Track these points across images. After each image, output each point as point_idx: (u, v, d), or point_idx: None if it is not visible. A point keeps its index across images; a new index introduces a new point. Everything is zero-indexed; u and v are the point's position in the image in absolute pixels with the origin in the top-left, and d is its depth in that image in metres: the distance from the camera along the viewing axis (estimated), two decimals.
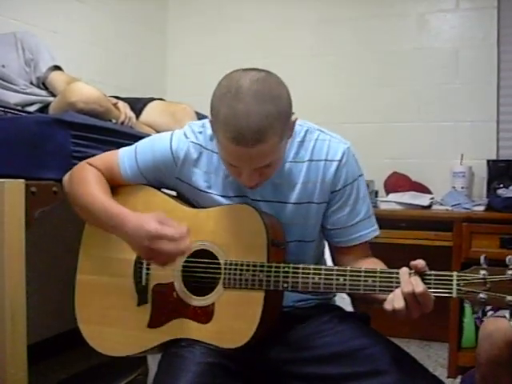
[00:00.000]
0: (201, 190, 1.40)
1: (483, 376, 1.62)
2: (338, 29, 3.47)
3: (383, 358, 1.21)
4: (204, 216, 1.37)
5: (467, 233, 2.63)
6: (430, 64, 3.27)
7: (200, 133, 1.41)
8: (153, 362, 1.72)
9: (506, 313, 1.62)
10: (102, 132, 1.72)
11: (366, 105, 3.40)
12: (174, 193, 1.51)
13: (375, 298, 1.24)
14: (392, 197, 3.05)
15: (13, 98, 2.00)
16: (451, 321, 2.71)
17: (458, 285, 1.13)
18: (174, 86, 3.75)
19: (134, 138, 1.65)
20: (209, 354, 1.25)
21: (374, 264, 1.34)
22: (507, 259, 1.10)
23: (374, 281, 1.19)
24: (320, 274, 1.23)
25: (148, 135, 1.58)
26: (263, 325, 1.24)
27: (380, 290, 1.19)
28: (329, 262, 1.55)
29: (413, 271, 1.15)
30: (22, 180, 1.48)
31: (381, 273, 1.20)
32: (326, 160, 1.36)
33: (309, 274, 1.24)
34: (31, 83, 2.10)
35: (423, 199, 2.97)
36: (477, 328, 2.61)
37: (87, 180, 1.40)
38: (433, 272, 1.15)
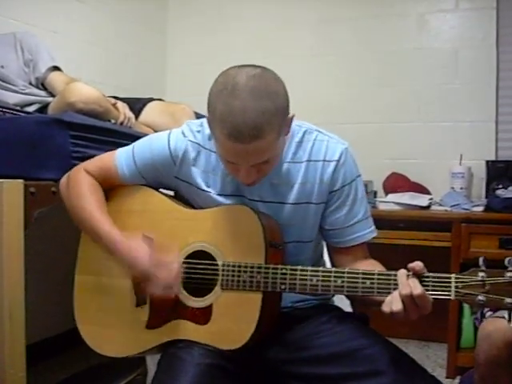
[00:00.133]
0: (199, 189, 1.40)
1: (482, 376, 1.62)
2: (337, 29, 3.47)
3: (382, 358, 1.21)
4: (202, 217, 1.37)
5: (466, 233, 2.63)
6: (429, 64, 3.27)
7: (198, 132, 1.41)
8: (152, 363, 1.72)
9: (505, 313, 1.61)
10: (101, 132, 1.72)
11: (365, 105, 3.40)
12: (171, 193, 1.51)
13: (373, 300, 1.24)
14: (391, 197, 3.05)
15: (12, 99, 2.00)
16: (450, 321, 2.71)
17: (457, 287, 1.12)
18: (174, 86, 3.75)
19: (133, 138, 1.64)
20: (207, 355, 1.25)
21: (372, 265, 1.34)
22: (506, 261, 1.10)
23: (371, 283, 1.19)
24: (318, 276, 1.23)
25: (147, 135, 1.58)
26: (261, 326, 1.24)
27: (378, 292, 1.18)
28: (328, 263, 1.55)
29: (411, 273, 1.15)
30: (21, 180, 1.48)
31: (379, 275, 1.19)
32: (324, 160, 1.36)
33: (306, 275, 1.24)
34: (30, 84, 2.10)
35: (422, 200, 2.97)
36: (476, 328, 2.61)
37: (83, 193, 1.41)
38: (431, 274, 1.15)
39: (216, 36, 3.70)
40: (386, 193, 3.16)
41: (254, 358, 1.31)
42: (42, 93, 2.10)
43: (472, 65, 3.18)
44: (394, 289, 1.15)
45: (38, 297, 2.07)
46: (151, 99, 2.34)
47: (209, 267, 1.31)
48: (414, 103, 3.30)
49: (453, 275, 1.13)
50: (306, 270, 1.24)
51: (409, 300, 1.12)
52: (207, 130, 1.39)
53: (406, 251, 2.78)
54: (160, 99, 2.41)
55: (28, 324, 1.50)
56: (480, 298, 1.10)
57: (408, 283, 1.13)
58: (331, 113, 3.38)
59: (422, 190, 3.13)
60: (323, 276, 1.23)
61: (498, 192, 2.79)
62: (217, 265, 1.30)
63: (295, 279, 1.24)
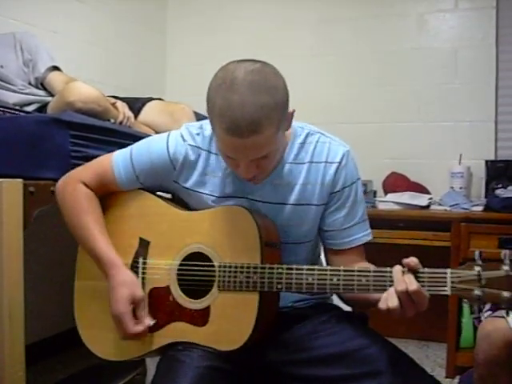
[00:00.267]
0: (199, 192, 1.40)
1: (481, 376, 1.62)
2: (337, 29, 3.47)
3: (381, 358, 1.21)
4: (198, 218, 1.37)
5: (465, 233, 2.63)
6: (428, 64, 3.27)
7: (198, 134, 1.40)
8: (151, 362, 1.72)
9: (505, 313, 1.62)
10: (100, 132, 1.72)
11: (365, 105, 3.40)
12: (168, 195, 1.50)
13: (370, 301, 1.23)
14: (390, 197, 3.05)
15: (11, 98, 1.99)
16: (449, 321, 2.71)
17: (453, 282, 1.12)
18: (174, 86, 3.75)
19: (133, 137, 1.65)
20: (206, 357, 1.25)
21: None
22: (502, 254, 1.09)
23: (367, 280, 1.19)
24: (313, 275, 1.23)
25: (147, 135, 1.58)
26: (259, 326, 1.24)
27: (374, 290, 1.18)
28: (325, 264, 1.55)
29: (406, 269, 1.14)
30: (20, 180, 1.48)
31: (374, 272, 1.19)
32: (326, 162, 1.37)
33: (302, 274, 1.23)
34: (29, 83, 2.09)
35: (421, 199, 2.97)
36: (475, 328, 2.61)
37: (81, 209, 1.40)
38: (426, 270, 1.14)
39: (215, 36, 3.70)
40: (386, 192, 3.16)
41: (254, 358, 1.31)
42: (42, 92, 2.10)
43: (471, 65, 3.18)
44: (390, 285, 1.15)
45: (37, 296, 2.07)
46: (150, 99, 2.34)
47: (205, 269, 1.31)
48: (413, 103, 3.30)
49: (448, 270, 1.13)
50: (302, 269, 1.24)
51: (405, 296, 1.11)
52: (207, 132, 1.39)
53: (405, 251, 2.74)
54: (159, 99, 2.41)
55: (27, 324, 1.50)
56: (476, 292, 1.09)
57: (403, 279, 1.12)
58: (331, 112, 3.38)
59: (422, 189, 3.13)
60: (319, 274, 1.23)
61: (498, 192, 2.79)
62: (213, 266, 1.30)
63: (291, 278, 1.24)
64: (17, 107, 1.92)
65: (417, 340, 3.17)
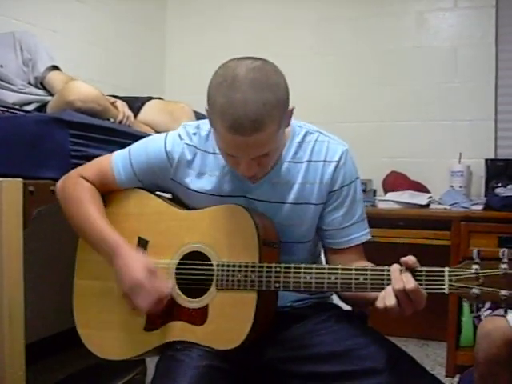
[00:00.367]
0: (196, 191, 1.39)
1: (481, 375, 1.62)
2: (337, 28, 3.47)
3: (380, 357, 1.21)
4: (196, 217, 1.37)
5: (465, 232, 2.63)
6: (428, 63, 3.27)
7: (194, 134, 1.40)
8: (151, 362, 1.72)
9: (503, 311, 1.62)
10: (100, 131, 1.72)
11: (364, 104, 3.40)
12: (168, 195, 1.51)
13: (368, 300, 1.23)
14: (390, 196, 3.05)
15: (10, 98, 1.99)
16: (449, 320, 2.71)
17: (450, 280, 1.12)
18: (173, 86, 3.75)
19: (132, 136, 1.65)
20: (205, 356, 1.25)
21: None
22: (500, 253, 1.09)
23: (365, 279, 1.18)
24: (311, 273, 1.23)
25: (146, 134, 1.58)
26: (257, 325, 1.24)
27: (371, 288, 1.18)
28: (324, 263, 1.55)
29: (404, 268, 1.14)
30: (20, 179, 1.48)
31: (372, 270, 1.19)
32: (324, 161, 1.37)
33: (300, 273, 1.24)
34: (29, 83, 2.09)
35: (421, 198, 2.97)
36: (475, 327, 2.61)
37: (81, 199, 1.40)
38: (424, 268, 1.14)
39: (215, 35, 3.70)
40: (386, 191, 3.16)
41: (252, 357, 1.31)
42: (41, 92, 2.09)
43: (471, 63, 3.18)
44: (388, 284, 1.15)
45: (37, 296, 2.06)
46: (150, 98, 2.34)
47: (204, 267, 1.31)
48: (413, 102, 3.30)
49: (446, 268, 1.13)
50: (300, 268, 1.24)
51: (402, 295, 1.11)
52: (203, 132, 1.39)
53: (405, 250, 2.73)
54: (159, 98, 2.41)
55: (27, 323, 1.50)
56: (474, 290, 1.09)
57: (401, 278, 1.12)
58: (331, 112, 3.38)
59: (422, 188, 3.13)
60: (317, 273, 1.23)
61: (497, 190, 2.79)
62: (211, 265, 1.30)
63: (289, 277, 1.24)
64: (16, 107, 1.92)
65: (417, 339, 3.17)
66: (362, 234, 1.41)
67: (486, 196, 2.93)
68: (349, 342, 1.27)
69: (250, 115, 1.13)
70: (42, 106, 2.05)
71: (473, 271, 1.10)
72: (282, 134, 1.27)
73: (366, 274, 1.19)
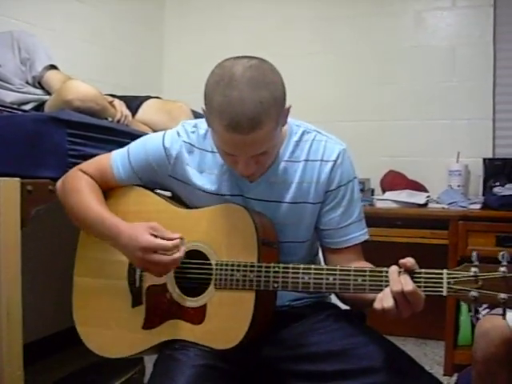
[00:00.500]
0: (195, 188, 1.40)
1: (479, 374, 1.62)
2: (335, 27, 3.47)
3: (378, 356, 1.21)
4: (196, 216, 1.37)
5: (463, 231, 2.63)
6: (426, 62, 3.27)
7: (193, 132, 1.41)
8: (149, 361, 1.72)
9: (501, 310, 1.62)
10: (98, 130, 1.72)
11: (362, 103, 3.40)
12: (168, 193, 1.51)
13: (366, 301, 1.23)
14: (388, 195, 3.05)
15: (8, 97, 1.99)
16: (447, 319, 2.72)
17: (449, 283, 1.11)
18: (171, 85, 3.74)
19: (130, 136, 1.65)
20: (203, 355, 1.25)
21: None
22: (500, 255, 1.09)
23: (363, 280, 1.18)
24: (310, 274, 1.23)
25: (144, 133, 1.58)
26: (255, 325, 1.24)
27: (370, 290, 1.18)
28: (323, 262, 1.55)
29: (402, 270, 1.14)
30: (18, 178, 1.48)
31: (370, 272, 1.19)
32: (321, 160, 1.37)
33: (298, 273, 1.23)
34: (27, 82, 2.09)
35: (419, 197, 2.97)
36: (473, 326, 2.61)
37: (80, 189, 1.41)
38: (423, 270, 1.14)
39: (213, 35, 3.70)
40: (384, 190, 3.17)
41: (250, 356, 1.31)
42: (39, 91, 2.09)
43: (469, 62, 3.18)
44: (386, 286, 1.15)
45: (35, 295, 2.06)
46: (148, 97, 2.34)
47: (203, 266, 1.31)
48: (411, 101, 3.30)
49: (445, 271, 1.13)
50: (299, 268, 1.24)
51: (400, 297, 1.11)
52: (201, 131, 1.39)
53: (403, 249, 2.77)
54: (157, 97, 2.41)
55: (25, 322, 1.50)
56: (473, 293, 1.09)
57: (399, 280, 1.12)
58: (329, 111, 3.38)
59: (420, 187, 3.13)
60: (315, 274, 1.23)
61: (495, 190, 2.80)
62: (210, 264, 1.30)
63: (287, 277, 1.24)
64: (14, 106, 1.91)
65: (415, 338, 3.18)
66: (360, 233, 1.41)
67: (483, 195, 2.93)
68: (347, 341, 1.27)
69: (248, 113, 1.13)
70: (40, 106, 2.05)
71: (471, 274, 1.10)
72: (280, 132, 1.27)
73: (365, 276, 1.19)
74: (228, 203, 1.35)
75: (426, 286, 1.13)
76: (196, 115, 2.23)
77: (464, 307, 2.72)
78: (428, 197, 3.01)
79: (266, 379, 1.34)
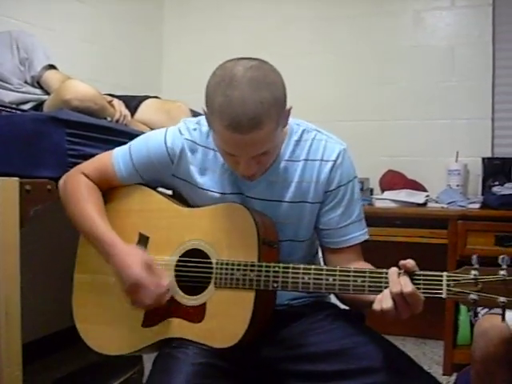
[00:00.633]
0: (197, 187, 1.40)
1: (478, 373, 1.62)
2: (335, 27, 3.47)
3: (377, 356, 1.21)
4: (197, 215, 1.37)
5: (462, 230, 2.63)
6: (426, 62, 3.27)
7: (195, 130, 1.41)
8: (148, 361, 1.72)
9: (501, 310, 1.61)
10: (96, 130, 1.71)
11: (362, 102, 3.40)
12: (169, 192, 1.51)
13: (366, 302, 1.23)
14: (387, 194, 3.05)
15: (7, 97, 1.99)
16: (446, 318, 2.72)
17: (448, 285, 1.11)
18: (170, 85, 3.74)
19: (129, 135, 1.64)
20: (202, 354, 1.25)
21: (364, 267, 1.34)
22: (500, 259, 1.09)
23: (363, 281, 1.18)
24: (309, 274, 1.23)
25: (143, 133, 1.58)
26: (254, 324, 1.24)
27: (369, 291, 1.18)
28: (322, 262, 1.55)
29: (402, 271, 1.14)
30: (17, 178, 1.48)
31: (370, 273, 1.19)
32: (321, 160, 1.37)
33: (298, 273, 1.23)
34: (25, 82, 2.09)
35: (418, 197, 2.98)
36: (472, 325, 2.60)
37: (79, 197, 1.41)
38: (422, 272, 1.14)
39: (212, 35, 3.70)
40: (383, 190, 3.16)
41: (249, 356, 1.31)
42: (38, 91, 2.09)
43: (468, 62, 3.18)
44: (386, 287, 1.15)
45: (34, 295, 2.06)
46: (147, 97, 2.34)
47: (203, 265, 1.31)
48: (410, 101, 3.30)
49: (444, 273, 1.13)
50: (299, 268, 1.24)
51: (399, 298, 1.11)
52: (204, 128, 1.39)
53: (402, 248, 2.78)
54: (156, 97, 2.41)
55: (24, 322, 1.49)
56: (472, 296, 1.09)
57: (399, 281, 1.12)
58: (328, 110, 3.38)
59: (419, 187, 3.14)
60: (315, 274, 1.23)
61: (494, 189, 2.80)
62: (211, 263, 1.30)
63: (287, 277, 1.24)
64: (13, 106, 1.91)
65: (414, 337, 3.18)
66: (360, 233, 1.41)
67: (483, 195, 2.93)
68: (346, 340, 1.27)
69: (249, 113, 1.14)
70: (39, 105, 2.04)
71: (471, 277, 1.10)
72: (281, 132, 1.27)
73: (365, 277, 1.18)
74: (229, 202, 1.35)
75: (425, 288, 1.13)
76: (195, 115, 2.23)
77: (463, 307, 2.72)
78: (427, 196, 3.01)
79: (265, 379, 1.34)
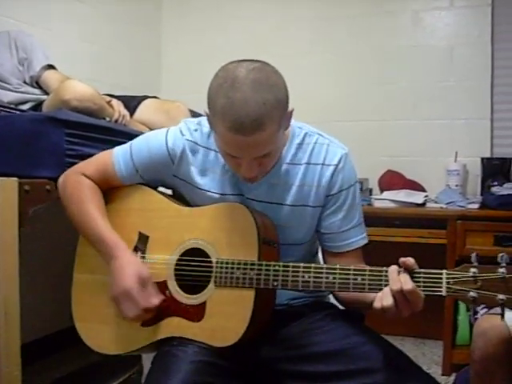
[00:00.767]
0: (197, 188, 1.40)
1: (477, 373, 1.62)
2: (334, 27, 3.47)
3: (376, 356, 1.22)
4: (197, 214, 1.37)
5: (461, 231, 2.63)
6: (425, 62, 3.27)
7: (196, 130, 1.41)
8: (148, 361, 1.72)
9: (500, 310, 1.61)
10: (95, 130, 1.71)
11: (361, 102, 3.40)
12: (169, 191, 1.51)
13: (366, 302, 1.23)
14: (386, 195, 3.05)
15: (6, 97, 1.99)
16: (446, 318, 2.72)
17: (448, 283, 1.12)
18: (170, 85, 3.74)
19: (128, 136, 1.64)
20: (201, 352, 1.25)
21: None
22: (499, 257, 1.09)
23: (363, 279, 1.18)
24: (309, 272, 1.23)
25: (142, 133, 1.58)
26: (254, 323, 1.24)
27: (369, 289, 1.18)
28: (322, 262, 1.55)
29: (402, 269, 1.14)
30: (15, 178, 1.48)
31: (370, 271, 1.19)
32: (323, 164, 1.37)
33: (298, 272, 1.24)
34: (24, 82, 2.09)
35: (417, 197, 2.97)
36: (471, 325, 2.60)
37: (81, 198, 1.41)
38: (422, 270, 1.14)
39: (211, 35, 3.70)
40: (382, 190, 3.16)
41: (249, 355, 1.31)
42: (37, 91, 2.09)
43: (467, 62, 3.18)
44: (386, 285, 1.15)
45: (33, 295, 2.06)
46: (146, 97, 2.34)
47: (203, 264, 1.31)
48: (409, 101, 3.30)
49: (444, 271, 1.13)
50: (299, 267, 1.24)
51: (399, 295, 1.11)
52: (205, 129, 1.39)
53: (401, 248, 2.77)
54: (155, 97, 2.41)
55: (23, 322, 1.49)
56: (472, 294, 1.10)
57: (399, 279, 1.12)
58: (328, 110, 3.38)
59: (418, 187, 3.13)
60: (315, 272, 1.23)
61: (493, 189, 2.80)
62: (211, 262, 1.30)
63: (287, 276, 1.24)
64: (12, 106, 1.91)
65: (413, 337, 3.18)
66: (361, 237, 1.42)
67: (482, 195, 2.93)
68: (345, 341, 1.27)
69: (251, 115, 1.14)
70: (38, 105, 2.04)
71: (471, 274, 1.11)
72: (283, 135, 1.27)
73: (364, 275, 1.19)
74: (229, 202, 1.36)
75: (425, 286, 1.13)
76: (194, 115, 2.23)
77: (462, 306, 2.72)
78: (426, 196, 3.01)
79: (264, 379, 1.34)
